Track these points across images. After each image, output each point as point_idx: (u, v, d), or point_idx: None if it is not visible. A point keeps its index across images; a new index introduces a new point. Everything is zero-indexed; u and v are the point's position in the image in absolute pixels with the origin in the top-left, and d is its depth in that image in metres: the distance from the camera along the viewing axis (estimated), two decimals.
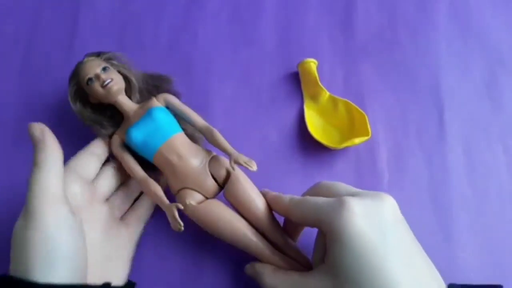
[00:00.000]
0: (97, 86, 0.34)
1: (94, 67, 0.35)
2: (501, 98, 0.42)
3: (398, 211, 0.28)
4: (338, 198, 0.27)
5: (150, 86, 0.38)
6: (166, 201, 0.33)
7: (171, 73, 0.40)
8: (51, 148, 0.30)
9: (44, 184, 0.28)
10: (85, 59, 0.36)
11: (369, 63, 0.43)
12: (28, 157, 0.39)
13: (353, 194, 0.28)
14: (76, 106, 0.36)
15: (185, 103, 0.38)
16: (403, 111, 0.41)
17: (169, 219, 0.32)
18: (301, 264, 0.32)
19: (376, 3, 0.45)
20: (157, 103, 0.35)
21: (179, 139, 0.34)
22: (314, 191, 0.32)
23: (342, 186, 0.31)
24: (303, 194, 0.33)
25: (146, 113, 0.34)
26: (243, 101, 0.41)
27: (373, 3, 0.45)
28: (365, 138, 0.37)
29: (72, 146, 0.39)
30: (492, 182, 0.39)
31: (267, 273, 0.31)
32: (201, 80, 0.42)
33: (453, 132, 0.40)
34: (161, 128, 0.34)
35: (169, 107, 0.36)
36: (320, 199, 0.29)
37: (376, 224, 0.26)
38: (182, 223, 0.31)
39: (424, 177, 0.39)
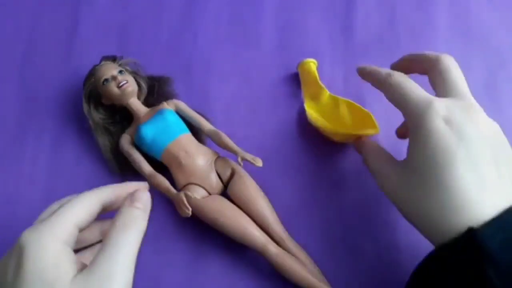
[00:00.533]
0: (112, 86, 0.36)
1: (111, 69, 0.37)
2: (501, 98, 0.42)
3: (486, 127, 0.28)
4: (428, 99, 0.29)
5: (151, 88, 0.40)
6: (174, 190, 0.35)
7: (171, 73, 0.41)
8: (146, 213, 0.26)
9: (129, 250, 0.24)
10: (102, 62, 0.38)
11: (369, 63, 0.42)
12: (27, 156, 0.39)
13: (449, 95, 0.30)
14: (88, 106, 0.38)
15: (185, 103, 0.39)
16: None
17: (178, 205, 0.34)
18: (301, 259, 0.33)
19: (376, 3, 0.45)
20: (167, 106, 0.38)
21: (187, 138, 0.36)
22: (428, 65, 0.32)
23: (451, 82, 0.31)
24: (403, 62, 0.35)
25: (157, 112, 0.37)
26: (243, 101, 0.41)
27: (373, 3, 0.45)
28: (375, 131, 0.37)
29: (70, 146, 0.40)
30: None
31: (373, 156, 0.33)
32: (201, 80, 0.42)
33: None
34: (171, 127, 0.36)
35: (178, 112, 0.38)
36: (413, 92, 0.29)
37: (457, 131, 0.27)
38: (190, 208, 0.33)
39: None
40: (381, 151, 0.33)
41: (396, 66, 0.36)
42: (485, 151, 0.27)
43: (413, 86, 0.30)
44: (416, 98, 0.29)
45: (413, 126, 0.29)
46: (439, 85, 0.31)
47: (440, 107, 0.28)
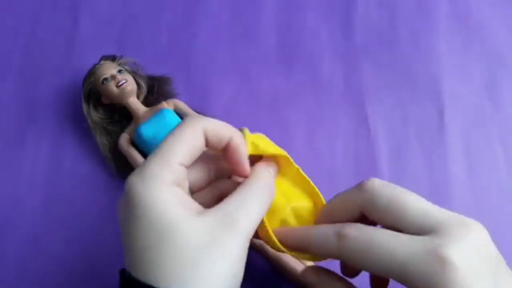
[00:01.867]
0: (112, 85, 0.37)
1: (111, 68, 0.37)
2: (501, 98, 0.42)
3: (493, 246, 0.23)
4: (431, 251, 0.20)
5: (151, 87, 0.40)
6: None
7: (170, 73, 0.41)
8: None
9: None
10: (101, 62, 0.38)
11: (369, 63, 0.43)
12: (27, 155, 0.39)
13: (434, 227, 0.22)
14: (87, 106, 0.38)
15: (185, 103, 0.39)
16: (403, 111, 0.41)
17: None
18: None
19: (376, 3, 0.45)
20: (167, 106, 0.38)
21: None
22: (362, 201, 0.24)
23: (413, 210, 0.23)
24: (333, 202, 0.26)
25: (156, 112, 0.37)
26: (243, 101, 0.41)
27: (373, 3, 0.45)
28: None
29: (70, 146, 0.40)
30: (492, 182, 0.39)
31: None
32: (201, 80, 0.42)
33: (453, 132, 0.40)
34: (170, 126, 0.36)
35: (177, 111, 0.38)
36: (397, 243, 0.21)
37: (484, 275, 0.21)
38: None
39: (424, 177, 0.39)
40: None
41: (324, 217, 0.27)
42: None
43: (390, 237, 0.21)
44: (410, 255, 0.20)
45: None
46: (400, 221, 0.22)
47: (458, 260, 0.20)
